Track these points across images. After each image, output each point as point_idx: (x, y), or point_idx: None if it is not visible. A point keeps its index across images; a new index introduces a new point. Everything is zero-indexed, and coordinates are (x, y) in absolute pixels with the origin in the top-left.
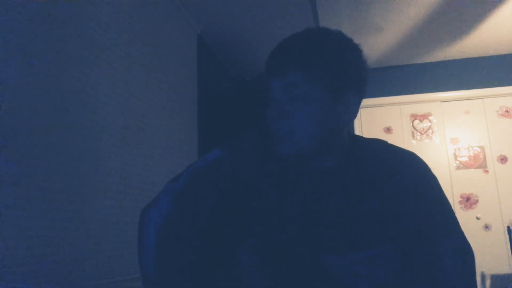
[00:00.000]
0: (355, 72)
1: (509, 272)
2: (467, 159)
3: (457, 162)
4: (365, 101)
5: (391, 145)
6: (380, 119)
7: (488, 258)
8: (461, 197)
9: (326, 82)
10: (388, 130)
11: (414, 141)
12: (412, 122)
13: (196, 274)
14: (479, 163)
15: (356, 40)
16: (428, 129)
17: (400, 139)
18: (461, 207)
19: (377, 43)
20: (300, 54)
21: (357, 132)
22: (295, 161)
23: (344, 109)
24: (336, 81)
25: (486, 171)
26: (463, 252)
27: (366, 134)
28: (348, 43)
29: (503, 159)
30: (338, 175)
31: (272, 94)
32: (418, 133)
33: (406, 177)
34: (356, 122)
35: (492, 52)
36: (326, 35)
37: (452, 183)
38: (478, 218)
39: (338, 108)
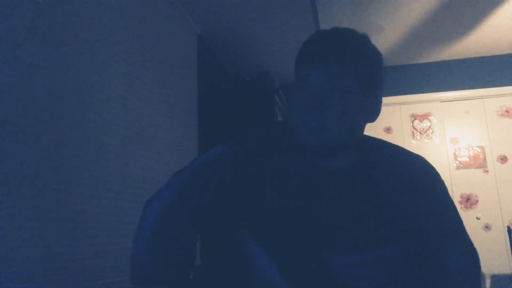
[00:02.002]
0: (383, 73)
1: (509, 272)
2: (467, 159)
3: (457, 162)
4: None
5: (400, 148)
6: (380, 119)
7: (488, 258)
8: (461, 197)
9: (364, 78)
10: (388, 130)
11: (414, 141)
12: (412, 122)
13: (188, 266)
14: (479, 163)
15: None
16: (428, 129)
17: (400, 139)
18: (461, 207)
19: (377, 43)
20: (346, 47)
21: None
22: (318, 155)
23: (373, 106)
24: (371, 78)
25: (486, 171)
26: (469, 256)
27: (366, 134)
28: (376, 47)
29: (503, 159)
30: (346, 175)
31: (308, 84)
32: (418, 133)
33: (414, 180)
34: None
35: (492, 52)
36: (362, 36)
37: (452, 183)
38: (478, 218)
39: (368, 105)
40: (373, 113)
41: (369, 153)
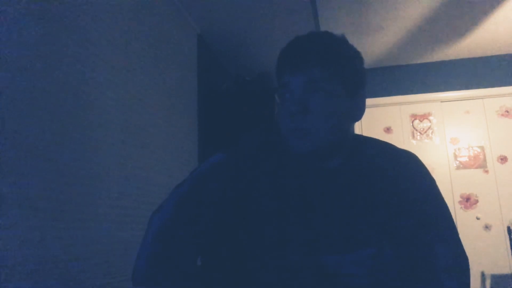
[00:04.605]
0: (364, 72)
1: (509, 272)
2: (467, 159)
3: (457, 162)
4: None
5: (391, 145)
6: (380, 119)
7: (488, 258)
8: (461, 197)
9: (346, 79)
10: (388, 130)
11: (414, 141)
12: (412, 122)
13: (186, 276)
14: (479, 163)
15: (356, 40)
16: (428, 129)
17: (400, 139)
18: (461, 207)
19: (377, 43)
20: (324, 50)
21: (357, 132)
22: (309, 159)
23: (357, 106)
24: (353, 78)
25: (486, 171)
26: (457, 259)
27: (366, 134)
28: (354, 47)
29: (503, 159)
30: (338, 175)
31: (291, 91)
32: (418, 133)
33: (404, 178)
34: (357, 122)
35: (492, 52)
36: (340, 38)
37: (452, 183)
38: (478, 218)
39: (353, 105)
40: (358, 112)
41: (359, 152)
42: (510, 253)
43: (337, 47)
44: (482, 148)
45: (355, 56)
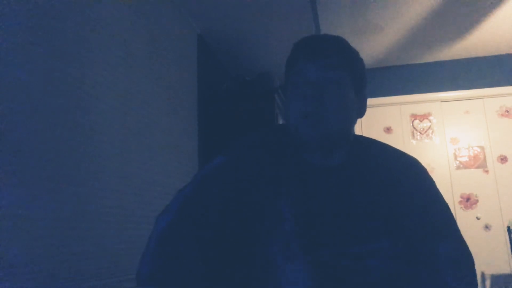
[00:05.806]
0: (366, 72)
1: (509, 272)
2: (467, 159)
3: (457, 162)
4: None
5: (391, 147)
6: (380, 119)
7: (488, 258)
8: (461, 197)
9: (353, 73)
10: (388, 130)
11: (414, 141)
12: (412, 122)
13: (191, 279)
14: (479, 163)
15: (356, 40)
16: (428, 129)
17: (400, 139)
18: (461, 207)
19: (377, 43)
20: (337, 44)
21: (357, 132)
22: (316, 148)
23: (361, 102)
24: (359, 74)
25: (486, 171)
26: (460, 256)
27: (366, 134)
28: None
29: (503, 159)
30: (340, 173)
31: (305, 77)
32: (418, 133)
33: (405, 179)
34: (356, 123)
35: (492, 52)
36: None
37: (452, 183)
38: (478, 218)
39: (358, 101)
40: (362, 109)
41: (360, 150)
42: (510, 253)
43: (347, 44)
44: (482, 148)
45: (359, 55)
